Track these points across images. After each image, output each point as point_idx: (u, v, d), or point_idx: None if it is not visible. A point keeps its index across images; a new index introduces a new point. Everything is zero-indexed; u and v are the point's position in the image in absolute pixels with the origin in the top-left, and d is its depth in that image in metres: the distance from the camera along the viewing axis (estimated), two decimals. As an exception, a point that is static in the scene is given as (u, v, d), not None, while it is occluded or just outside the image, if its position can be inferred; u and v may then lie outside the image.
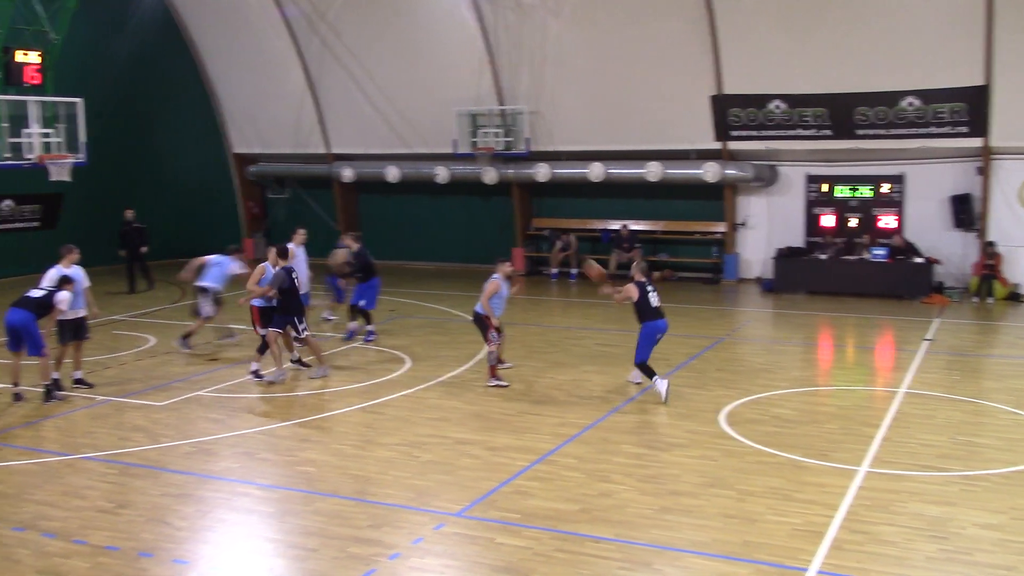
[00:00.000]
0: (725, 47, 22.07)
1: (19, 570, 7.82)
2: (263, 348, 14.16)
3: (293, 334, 14.16)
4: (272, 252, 14.33)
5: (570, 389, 13.50)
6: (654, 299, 13.11)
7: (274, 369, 14.08)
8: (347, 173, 27.30)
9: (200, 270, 16.11)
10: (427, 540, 8.36)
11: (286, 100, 27.78)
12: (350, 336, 17.05)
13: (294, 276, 13.97)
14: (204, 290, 15.99)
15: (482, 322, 13.79)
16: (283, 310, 13.93)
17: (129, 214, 23.48)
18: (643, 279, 13.22)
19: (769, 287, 22.68)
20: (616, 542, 8.19)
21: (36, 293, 12.94)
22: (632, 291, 13.00)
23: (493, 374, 13.72)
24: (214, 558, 8.16)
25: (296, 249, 16.53)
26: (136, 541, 8.38)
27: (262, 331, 14.20)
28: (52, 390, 13.03)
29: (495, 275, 13.85)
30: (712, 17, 21.75)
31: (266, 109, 28.32)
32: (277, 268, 13.89)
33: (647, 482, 9.68)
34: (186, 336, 16.13)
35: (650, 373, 12.93)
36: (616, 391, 13.35)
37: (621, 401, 12.82)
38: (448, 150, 25.31)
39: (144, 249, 23.16)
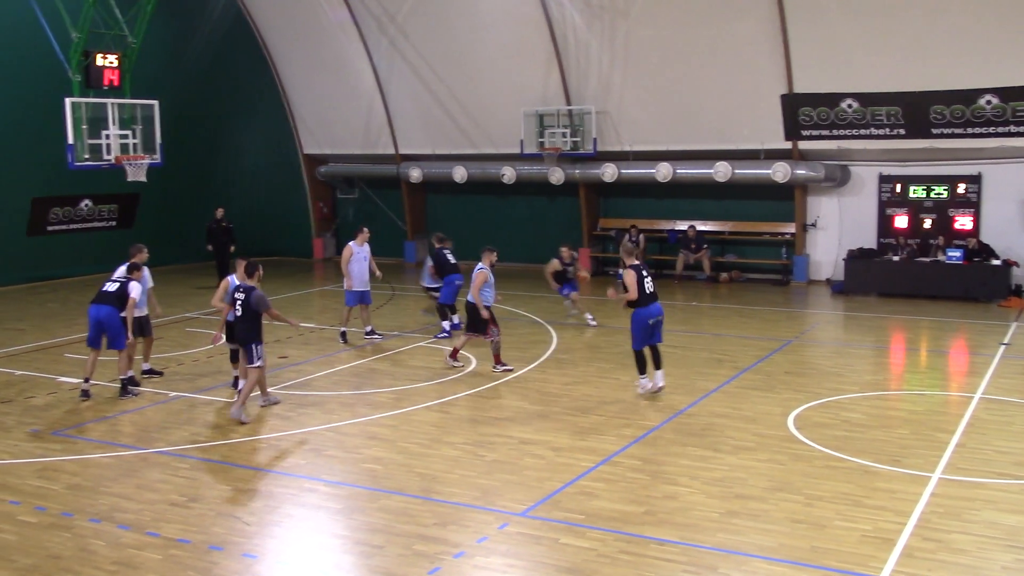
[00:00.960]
0: (796, 45, 21.74)
1: (95, 561, 8.03)
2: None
3: (247, 363, 12.32)
4: (240, 266, 12.93)
5: (635, 390, 13.42)
6: (649, 284, 12.79)
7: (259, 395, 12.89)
8: (415, 174, 27.51)
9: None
10: (491, 539, 8.39)
11: (356, 102, 28.10)
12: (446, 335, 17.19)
13: (238, 299, 12.25)
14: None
15: (474, 313, 14.28)
16: (244, 334, 12.30)
17: (219, 212, 24.06)
18: (637, 262, 12.97)
19: (839, 289, 22.30)
20: (681, 545, 8.13)
21: (111, 287, 13.32)
22: (631, 277, 12.60)
23: (498, 360, 14.49)
24: (282, 553, 8.29)
25: (357, 248, 16.79)
26: (207, 534, 8.55)
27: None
28: (127, 384, 13.38)
29: (481, 265, 14.51)
30: (783, 15, 21.45)
31: (336, 110, 28.67)
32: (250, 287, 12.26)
33: (713, 485, 9.59)
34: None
35: (641, 367, 12.82)
36: (681, 392, 13.23)
37: (687, 403, 12.71)
38: (515, 150, 25.36)
39: (231, 248, 23.73)
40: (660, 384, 12.95)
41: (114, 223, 26.36)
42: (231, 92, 29.00)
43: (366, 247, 17.09)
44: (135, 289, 13.38)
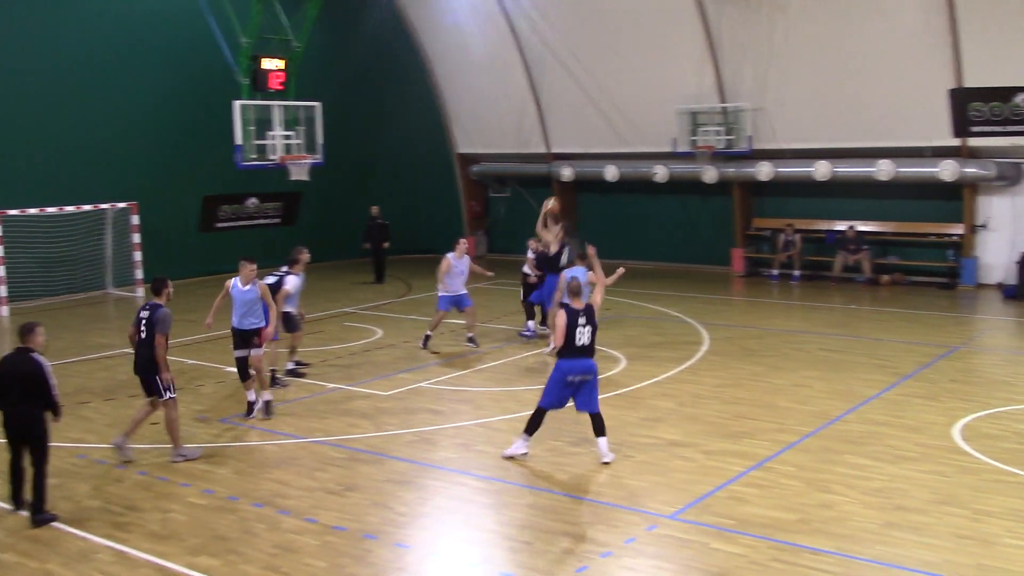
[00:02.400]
0: (966, 36, 20.70)
1: (257, 543, 8.40)
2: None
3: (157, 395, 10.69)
4: (243, 268, 12.72)
5: (790, 394, 13.08)
6: (585, 335, 10.43)
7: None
8: (566, 172, 27.57)
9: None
10: (639, 540, 8.34)
11: (508, 100, 28.37)
12: (531, 334, 17.10)
13: (142, 318, 10.66)
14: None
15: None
16: (148, 362, 10.58)
17: (374, 210, 24.83)
18: (578, 307, 10.52)
19: (1012, 293, 21.12)
20: (836, 555, 7.88)
21: (269, 279, 13.91)
22: (561, 320, 10.39)
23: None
24: (433, 545, 8.47)
25: (456, 261, 16.22)
26: (361, 523, 8.82)
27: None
28: (275, 376, 13.97)
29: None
30: (952, 4, 20.47)
31: (489, 110, 29.03)
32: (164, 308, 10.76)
33: (871, 495, 9.26)
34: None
35: (532, 427, 10.52)
36: (839, 397, 12.81)
37: (844, 409, 12.30)
38: (667, 149, 25.08)
39: (386, 244, 24.39)
40: (607, 458, 10.36)
41: (278, 220, 27.45)
42: (388, 93, 29.76)
43: (465, 259, 16.47)
44: (291, 282, 13.96)
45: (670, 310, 19.81)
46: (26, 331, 9.15)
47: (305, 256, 14.47)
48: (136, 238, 23.15)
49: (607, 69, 25.93)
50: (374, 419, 12.29)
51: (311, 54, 22.58)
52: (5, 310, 20.54)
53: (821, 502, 9.10)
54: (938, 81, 21.39)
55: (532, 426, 10.51)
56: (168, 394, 10.59)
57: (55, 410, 9.14)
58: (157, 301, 10.82)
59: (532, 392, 13.37)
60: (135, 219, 23.12)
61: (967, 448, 10.63)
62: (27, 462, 9.09)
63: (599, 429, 10.47)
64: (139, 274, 23.08)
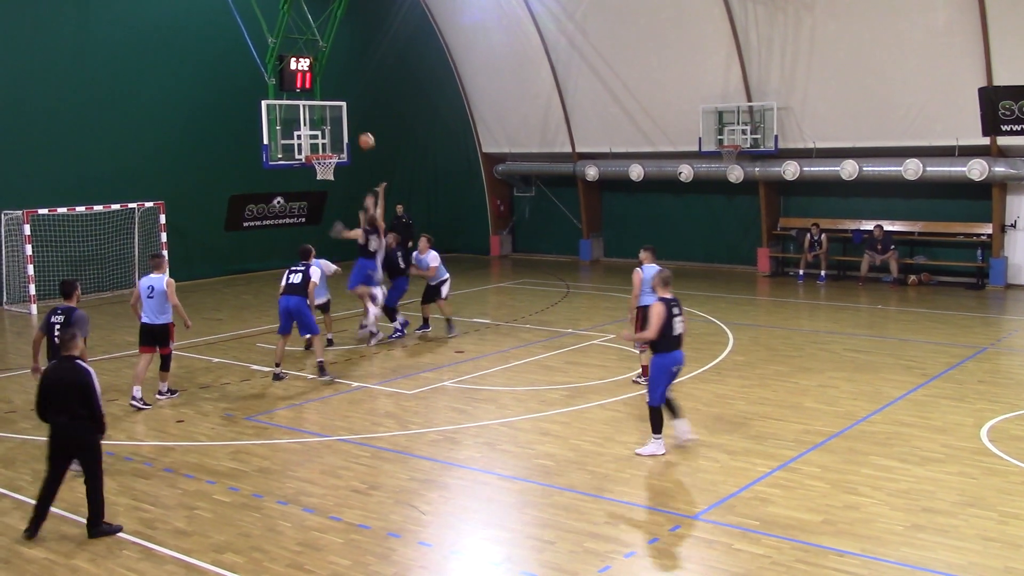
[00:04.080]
0: (996, 34, 20.48)
1: (282, 541, 8.45)
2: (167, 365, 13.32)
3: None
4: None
5: (816, 395, 13.01)
6: (679, 325, 10.56)
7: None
8: (591, 172, 27.54)
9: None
10: (663, 541, 8.32)
11: (533, 100, 28.38)
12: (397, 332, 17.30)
13: (55, 323, 10.70)
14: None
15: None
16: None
17: (399, 209, 24.88)
18: (669, 296, 10.70)
19: (1042, 294, 20.89)
20: (862, 557, 7.83)
21: (295, 278, 14.31)
22: (657, 312, 10.43)
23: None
24: (456, 543, 8.48)
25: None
26: (385, 521, 8.85)
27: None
28: (324, 366, 14.29)
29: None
30: (982, 3, 20.26)
31: (515, 109, 29.04)
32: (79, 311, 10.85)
33: (897, 497, 9.19)
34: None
35: (657, 424, 10.65)
36: (865, 398, 12.73)
37: (870, 410, 12.21)
38: (693, 148, 25.00)
39: (410, 244, 24.43)
40: (690, 436, 10.87)
41: (303, 220, 27.58)
42: (413, 92, 29.85)
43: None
44: (315, 273, 14.48)
45: (695, 310, 19.72)
46: (68, 339, 8.91)
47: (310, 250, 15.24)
48: (163, 237, 23.35)
49: (633, 68, 25.88)
50: (398, 417, 12.33)
51: (337, 54, 22.65)
52: (34, 308, 20.77)
53: (846, 503, 9.04)
54: (967, 79, 21.18)
55: (657, 424, 10.60)
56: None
57: (99, 424, 8.72)
58: (70, 304, 10.90)
59: (555, 392, 13.39)
60: (162, 218, 23.32)
61: (994, 450, 10.52)
62: (57, 487, 8.73)
63: (677, 410, 10.78)
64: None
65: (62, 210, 21.61)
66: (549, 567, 7.83)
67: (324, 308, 16.49)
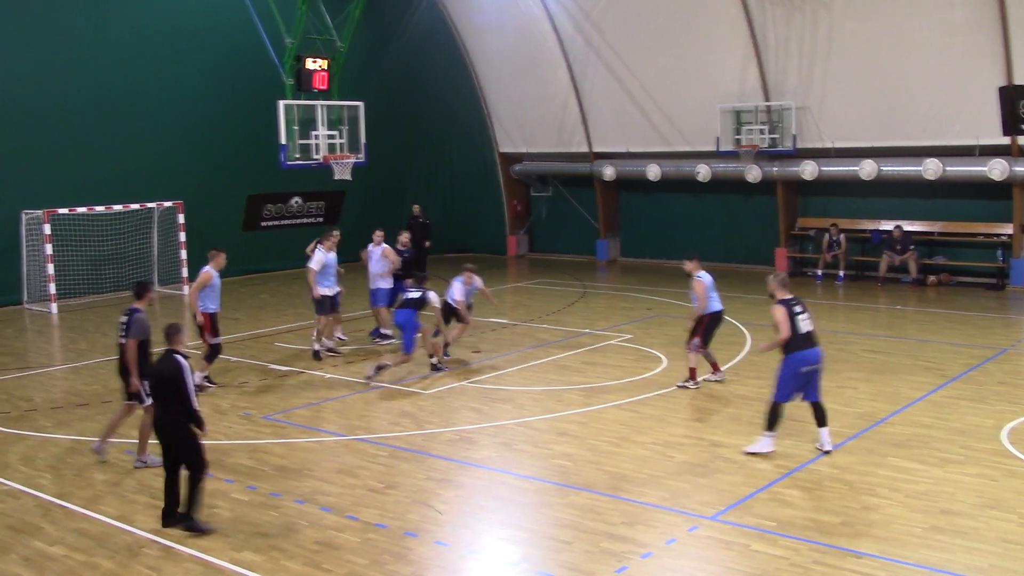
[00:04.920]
0: (1017, 32, 20.34)
1: (299, 539, 8.48)
2: (212, 356, 13.90)
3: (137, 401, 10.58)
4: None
5: (834, 396, 12.90)
6: (806, 323, 10.52)
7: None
8: (608, 172, 27.50)
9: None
10: (680, 541, 8.31)
11: (550, 100, 28.37)
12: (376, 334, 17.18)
13: (121, 322, 10.66)
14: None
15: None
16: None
17: (416, 208, 24.94)
18: (788, 296, 10.60)
19: (1063, 295, 20.74)
20: (880, 559, 7.79)
21: (415, 295, 14.52)
22: (780, 314, 10.40)
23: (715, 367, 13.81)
24: (473, 543, 8.49)
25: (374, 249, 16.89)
26: (402, 521, 8.87)
27: (213, 340, 13.79)
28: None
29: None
30: (1002, 1, 20.12)
31: (531, 109, 29.04)
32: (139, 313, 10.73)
33: (916, 498, 9.14)
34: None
35: (772, 421, 10.48)
36: (883, 400, 12.66)
37: (889, 411, 12.15)
38: (710, 148, 24.94)
39: (427, 243, 24.47)
40: (828, 447, 10.57)
41: (321, 219, 27.65)
42: (430, 92, 29.88)
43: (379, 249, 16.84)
44: (315, 259, 15.16)
45: (712, 310, 19.66)
46: (172, 332, 8.95)
47: (334, 235, 15.75)
48: (182, 237, 23.47)
49: (650, 68, 25.83)
50: (415, 417, 12.35)
51: (354, 54, 22.72)
52: (54, 307, 20.92)
53: (865, 505, 9.00)
54: (987, 78, 21.03)
55: (772, 422, 10.44)
56: (149, 400, 10.05)
57: (195, 419, 8.70)
58: (137, 305, 10.72)
59: (572, 392, 13.39)
60: (181, 218, 23.45)
61: (1015, 452, 10.45)
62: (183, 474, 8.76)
63: (822, 419, 10.52)
64: (184, 272, 23.41)
65: (81, 209, 21.76)
66: (566, 567, 7.83)
67: (334, 305, 15.86)
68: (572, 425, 11.87)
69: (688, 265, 13.80)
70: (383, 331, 16.89)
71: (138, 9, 23.37)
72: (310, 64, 20.78)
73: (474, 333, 17.36)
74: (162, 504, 8.80)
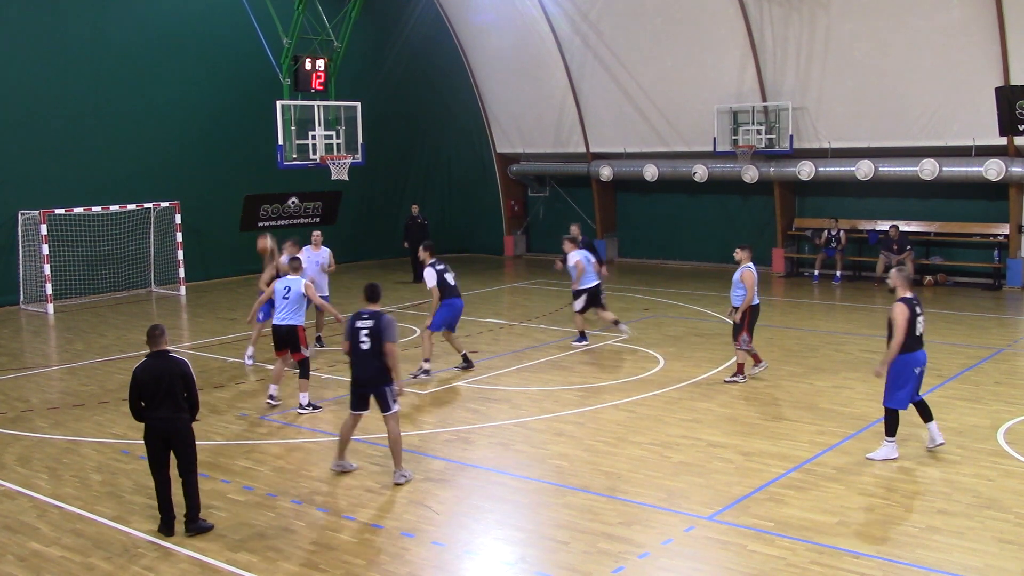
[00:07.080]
0: (1013, 33, 20.36)
1: (295, 540, 8.48)
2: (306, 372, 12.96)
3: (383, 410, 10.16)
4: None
5: (831, 396, 12.96)
6: (920, 324, 10.28)
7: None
8: (605, 172, 27.50)
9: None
10: (677, 541, 8.31)
11: (548, 100, 28.36)
12: None
13: (361, 328, 9.99)
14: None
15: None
16: (377, 372, 10.14)
17: (414, 209, 24.94)
18: (910, 294, 10.37)
19: (1059, 295, 20.75)
20: (877, 559, 7.79)
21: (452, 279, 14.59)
22: (901, 314, 10.12)
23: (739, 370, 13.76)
24: (470, 543, 8.48)
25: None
26: (399, 521, 8.86)
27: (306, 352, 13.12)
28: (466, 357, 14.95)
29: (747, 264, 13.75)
30: (999, 2, 20.14)
31: (529, 109, 29.04)
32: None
33: (913, 498, 9.15)
34: None
35: (892, 427, 10.34)
36: (879, 400, 12.63)
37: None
38: (707, 148, 24.94)
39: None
40: (940, 439, 10.47)
41: (318, 219, 27.63)
42: (428, 92, 29.88)
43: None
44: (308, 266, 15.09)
45: (709, 310, 19.68)
46: (159, 334, 8.74)
47: (315, 236, 16.23)
48: (179, 237, 23.46)
49: (647, 68, 25.84)
50: (411, 418, 12.34)
51: (352, 54, 22.72)
52: (51, 308, 20.90)
53: (861, 505, 9.00)
54: (984, 78, 21.07)
55: (892, 427, 10.28)
56: (396, 406, 9.95)
57: (196, 410, 8.80)
58: (374, 308, 10.12)
59: (569, 392, 13.39)
60: (178, 218, 23.45)
61: (1011, 452, 10.46)
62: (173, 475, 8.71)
63: (928, 415, 10.46)
64: (181, 272, 23.41)
65: (78, 210, 21.75)
66: (563, 567, 7.83)
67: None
68: (569, 425, 11.86)
69: (739, 254, 13.85)
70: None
71: (135, 10, 23.36)
72: (307, 64, 20.78)
73: (472, 333, 17.37)
74: (159, 502, 8.77)
